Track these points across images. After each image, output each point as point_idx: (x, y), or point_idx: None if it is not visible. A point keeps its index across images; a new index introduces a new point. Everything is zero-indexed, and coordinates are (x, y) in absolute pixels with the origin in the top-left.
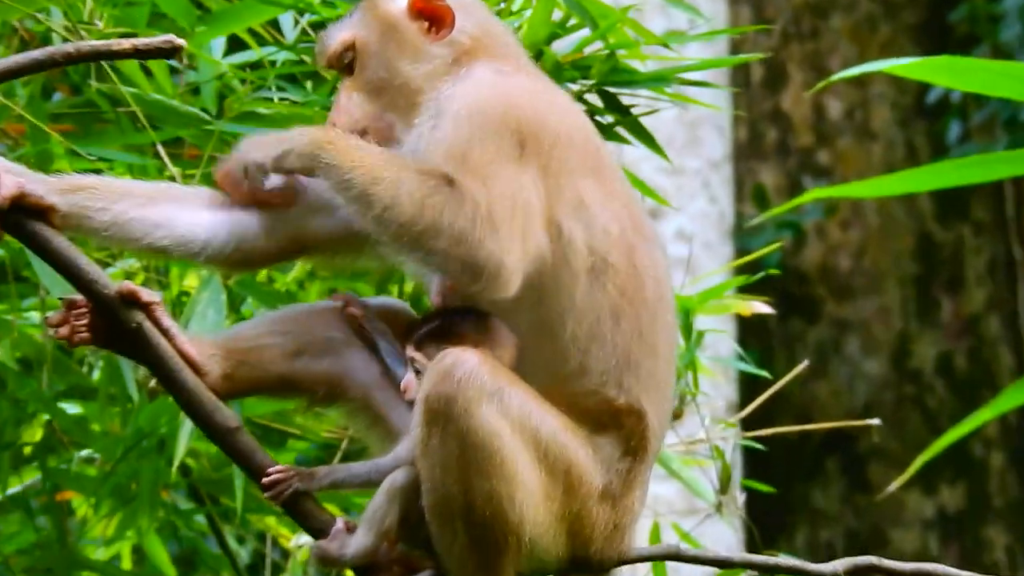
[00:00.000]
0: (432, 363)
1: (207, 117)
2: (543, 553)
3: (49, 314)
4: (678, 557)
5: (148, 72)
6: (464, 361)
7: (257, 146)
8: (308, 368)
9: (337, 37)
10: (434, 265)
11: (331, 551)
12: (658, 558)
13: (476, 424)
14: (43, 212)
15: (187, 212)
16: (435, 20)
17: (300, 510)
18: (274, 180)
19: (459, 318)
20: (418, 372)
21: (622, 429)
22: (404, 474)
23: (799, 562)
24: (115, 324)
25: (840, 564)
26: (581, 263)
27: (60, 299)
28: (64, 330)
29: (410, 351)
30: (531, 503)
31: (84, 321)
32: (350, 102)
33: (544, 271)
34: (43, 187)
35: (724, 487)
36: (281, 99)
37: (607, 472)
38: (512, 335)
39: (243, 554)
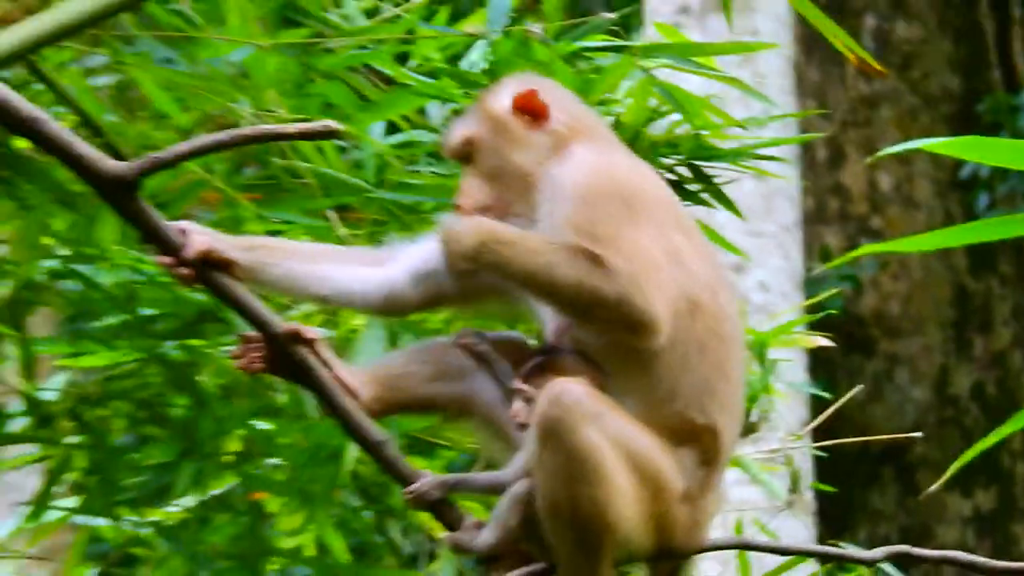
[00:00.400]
0: (544, 390)
1: (369, 187)
2: (635, 545)
3: (231, 348)
4: (747, 546)
5: (321, 150)
6: (570, 390)
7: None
8: (443, 391)
9: (457, 134)
10: (596, 328)
11: (462, 541)
12: (730, 547)
13: (580, 442)
14: (226, 266)
15: (347, 269)
16: (535, 114)
17: (436, 510)
18: None
19: (559, 356)
20: (527, 400)
21: (700, 444)
22: (525, 485)
23: (845, 551)
24: (284, 356)
25: (880, 552)
26: (681, 303)
27: (239, 336)
28: (242, 361)
29: (518, 383)
30: (625, 506)
31: (259, 354)
32: (472, 187)
33: None
34: (227, 245)
35: (794, 487)
36: (429, 172)
37: (687, 479)
38: (600, 369)
39: (405, 545)
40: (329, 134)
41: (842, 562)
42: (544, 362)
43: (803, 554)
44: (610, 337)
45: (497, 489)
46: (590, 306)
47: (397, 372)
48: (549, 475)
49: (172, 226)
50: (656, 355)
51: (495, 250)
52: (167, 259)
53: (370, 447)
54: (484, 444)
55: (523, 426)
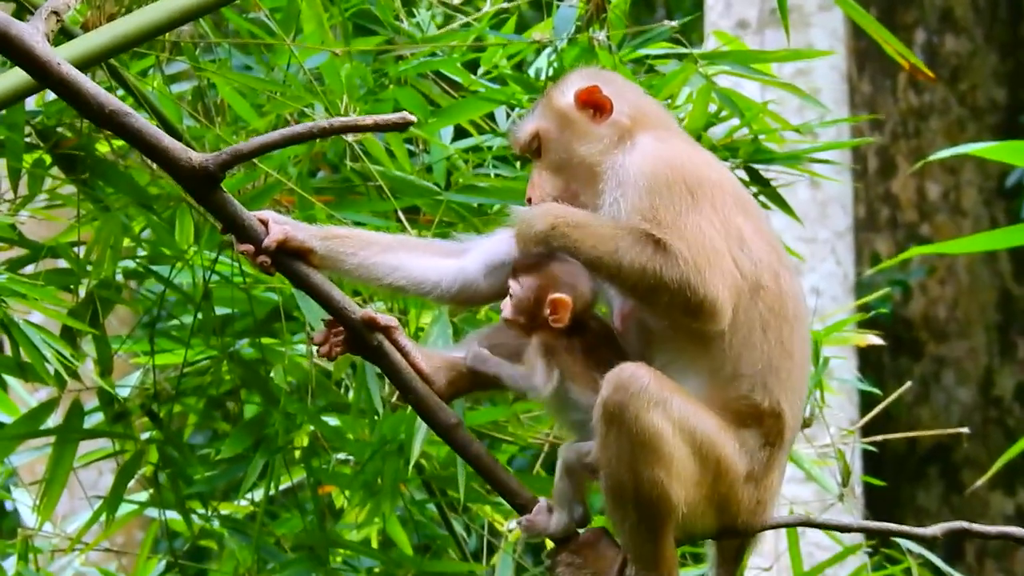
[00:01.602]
0: (609, 374)
1: (438, 189)
2: (698, 525)
3: (314, 333)
4: (810, 523)
5: (392, 154)
6: (637, 376)
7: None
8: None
9: (524, 129)
10: (659, 311)
11: (537, 525)
12: (793, 524)
13: (643, 426)
14: (304, 254)
15: (421, 259)
16: (598, 107)
17: (506, 488)
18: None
19: (547, 259)
20: (511, 296)
21: (763, 426)
22: (571, 452)
23: (902, 527)
24: (360, 342)
25: (938, 528)
26: (743, 285)
27: (323, 320)
28: (324, 348)
29: (510, 280)
30: (687, 487)
31: (340, 338)
32: (541, 179)
33: None
34: (305, 234)
35: (845, 481)
36: (496, 175)
37: (750, 460)
38: (586, 277)
39: (466, 536)
40: (404, 125)
41: (900, 537)
42: (531, 263)
43: (863, 531)
44: (673, 320)
45: (515, 385)
46: (653, 289)
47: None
48: (613, 457)
49: (253, 215)
50: (720, 336)
51: (565, 233)
52: (247, 246)
53: (442, 430)
54: (552, 416)
55: (507, 322)
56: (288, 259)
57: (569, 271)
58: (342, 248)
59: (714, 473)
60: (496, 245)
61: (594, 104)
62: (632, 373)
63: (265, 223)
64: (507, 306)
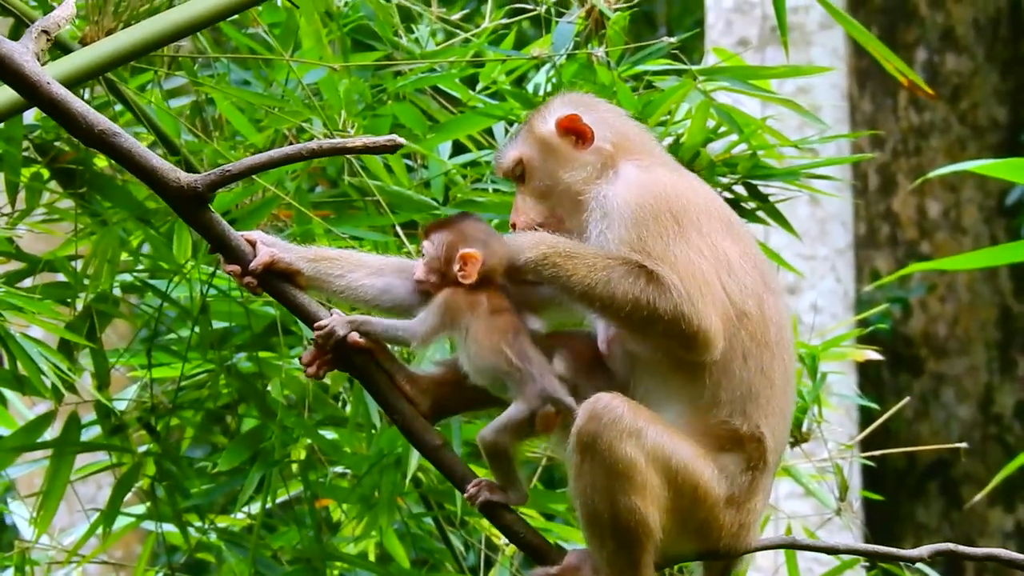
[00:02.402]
0: (585, 404)
1: (436, 204)
2: (678, 550)
3: (302, 353)
4: (795, 545)
5: (389, 169)
6: (610, 406)
7: (492, 254)
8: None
9: (508, 155)
10: (651, 342)
11: (498, 498)
12: (777, 547)
13: (617, 456)
14: (291, 276)
15: (406, 282)
16: (579, 135)
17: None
18: None
19: (459, 217)
20: (423, 255)
21: (744, 451)
22: (488, 434)
23: (891, 549)
24: (347, 363)
25: (925, 550)
26: (730, 312)
27: (309, 340)
28: (311, 370)
29: (423, 241)
30: (664, 514)
31: (328, 357)
32: (525, 204)
33: None
34: (292, 255)
35: (842, 495)
36: (494, 190)
37: (731, 485)
38: (499, 238)
39: (464, 550)
40: (393, 148)
41: (887, 561)
42: (444, 223)
43: (850, 552)
44: (666, 350)
45: (397, 338)
46: (647, 321)
47: (458, 376)
48: (588, 486)
49: (240, 236)
50: (702, 365)
51: (556, 263)
52: (233, 267)
53: (428, 451)
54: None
55: (419, 283)
56: (275, 279)
57: (482, 229)
58: (329, 270)
59: (691, 499)
60: None
61: (575, 132)
62: (606, 404)
63: (253, 244)
64: (419, 266)
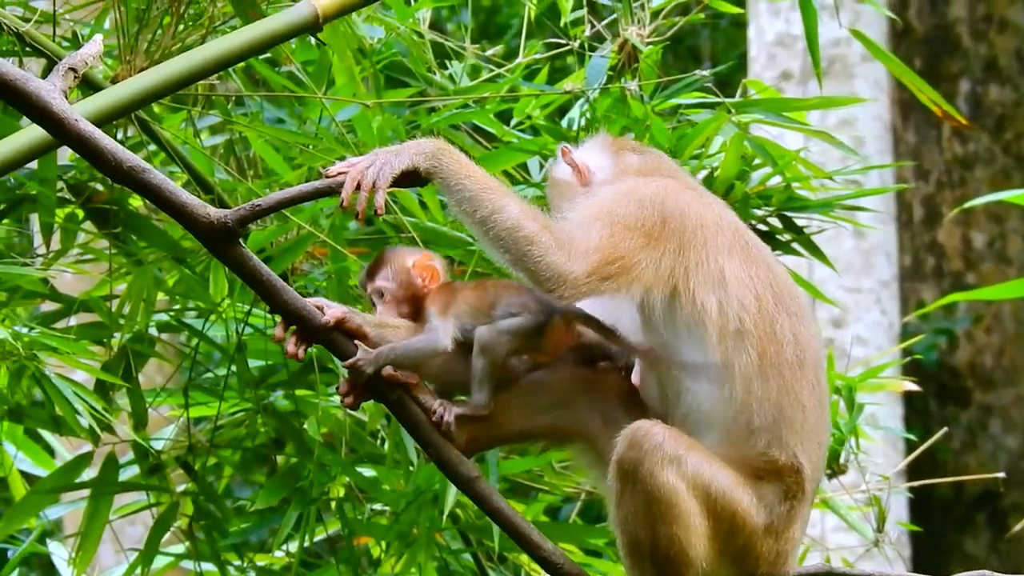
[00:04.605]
0: (625, 431)
1: (470, 240)
2: None
3: (339, 383)
4: (831, 573)
5: (424, 205)
6: (651, 433)
7: (371, 162)
8: (544, 421)
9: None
10: (518, 268)
11: (458, 413)
12: (814, 574)
13: (658, 484)
14: (359, 337)
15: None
16: (579, 173)
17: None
18: None
19: (382, 256)
20: (383, 302)
21: (783, 481)
22: (490, 331)
23: None
24: (380, 398)
25: None
26: (715, 324)
27: (347, 378)
28: (348, 400)
29: (369, 292)
30: (703, 543)
31: (361, 391)
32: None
33: (680, 330)
34: (361, 319)
35: (880, 527)
36: None
37: (770, 514)
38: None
39: None
40: (423, 182)
41: None
42: (375, 263)
43: None
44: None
45: (425, 354)
46: (520, 242)
47: (494, 409)
48: (629, 514)
49: (310, 302)
50: (717, 381)
51: (448, 159)
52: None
53: (462, 483)
54: (585, 468)
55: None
56: (340, 336)
57: (401, 248)
58: (392, 337)
59: (730, 527)
60: None
61: (577, 168)
62: (647, 431)
63: (320, 308)
64: (383, 311)
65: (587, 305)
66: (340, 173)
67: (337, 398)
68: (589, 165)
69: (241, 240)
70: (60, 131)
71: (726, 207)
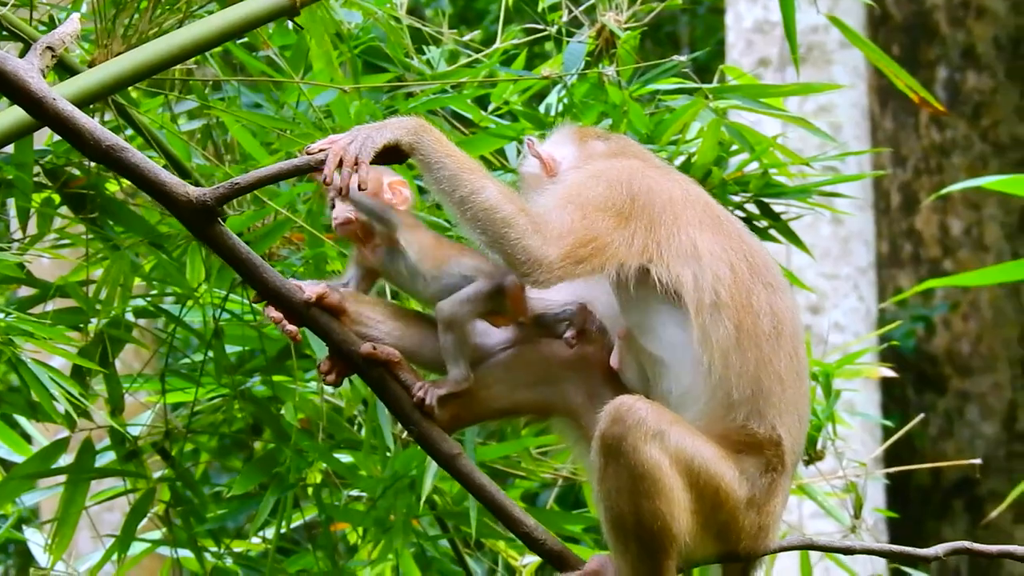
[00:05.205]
0: (608, 407)
1: (448, 225)
2: (699, 552)
3: (320, 362)
4: (812, 546)
5: (423, 191)
6: (634, 408)
7: (353, 138)
8: (527, 396)
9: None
10: (494, 250)
11: (437, 392)
12: (795, 548)
13: (642, 459)
14: (337, 313)
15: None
16: (545, 165)
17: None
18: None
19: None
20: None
21: (763, 454)
22: (448, 305)
23: (907, 548)
24: (362, 375)
25: (940, 548)
26: (689, 297)
27: (327, 356)
28: (330, 377)
29: (337, 209)
30: (686, 517)
31: (342, 369)
32: None
33: (657, 307)
34: (340, 295)
35: (857, 513)
36: None
37: (752, 487)
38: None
39: (479, 572)
40: (401, 159)
41: (903, 561)
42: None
43: (865, 552)
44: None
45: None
46: (497, 223)
47: (476, 386)
48: (613, 490)
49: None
50: (696, 351)
51: (430, 136)
52: (277, 315)
53: (444, 460)
54: (569, 444)
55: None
56: (320, 313)
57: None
58: (372, 314)
59: (713, 502)
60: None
61: (543, 160)
62: (630, 406)
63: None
64: (340, 210)
65: (564, 288)
66: (321, 150)
67: (315, 384)
68: (555, 156)
69: (220, 219)
70: (39, 110)
71: (693, 183)
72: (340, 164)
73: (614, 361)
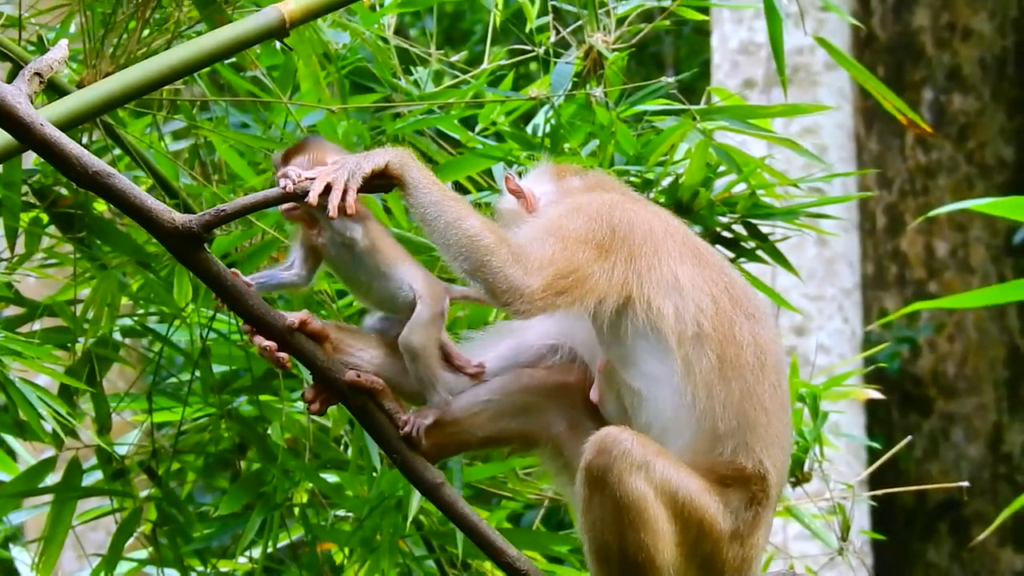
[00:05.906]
0: (593, 437)
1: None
2: None
3: (304, 390)
4: None
5: (388, 211)
6: (619, 439)
7: (343, 165)
8: (510, 426)
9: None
10: (475, 278)
11: (425, 421)
12: None
13: (627, 490)
14: (320, 339)
15: None
16: (525, 200)
17: (492, 547)
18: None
19: (312, 139)
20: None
21: (749, 488)
22: (408, 333)
23: None
24: (346, 404)
25: None
26: (671, 329)
27: (311, 384)
28: (314, 406)
29: (280, 168)
30: (670, 549)
31: (326, 397)
32: None
33: (638, 339)
34: (322, 323)
35: (844, 535)
36: None
37: (735, 519)
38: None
39: None
40: (388, 187)
41: None
42: (298, 147)
43: None
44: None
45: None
46: (478, 252)
47: (460, 416)
48: (597, 520)
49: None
50: (679, 383)
51: (416, 168)
52: (270, 344)
53: (427, 489)
54: (552, 474)
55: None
56: (303, 339)
57: (333, 145)
58: (353, 342)
59: (697, 534)
60: (505, 351)
61: (522, 197)
62: (616, 437)
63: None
64: (289, 185)
65: (544, 320)
66: (308, 179)
67: (301, 404)
68: (534, 192)
69: (206, 245)
70: (26, 136)
71: (672, 216)
72: (327, 190)
73: (594, 395)
